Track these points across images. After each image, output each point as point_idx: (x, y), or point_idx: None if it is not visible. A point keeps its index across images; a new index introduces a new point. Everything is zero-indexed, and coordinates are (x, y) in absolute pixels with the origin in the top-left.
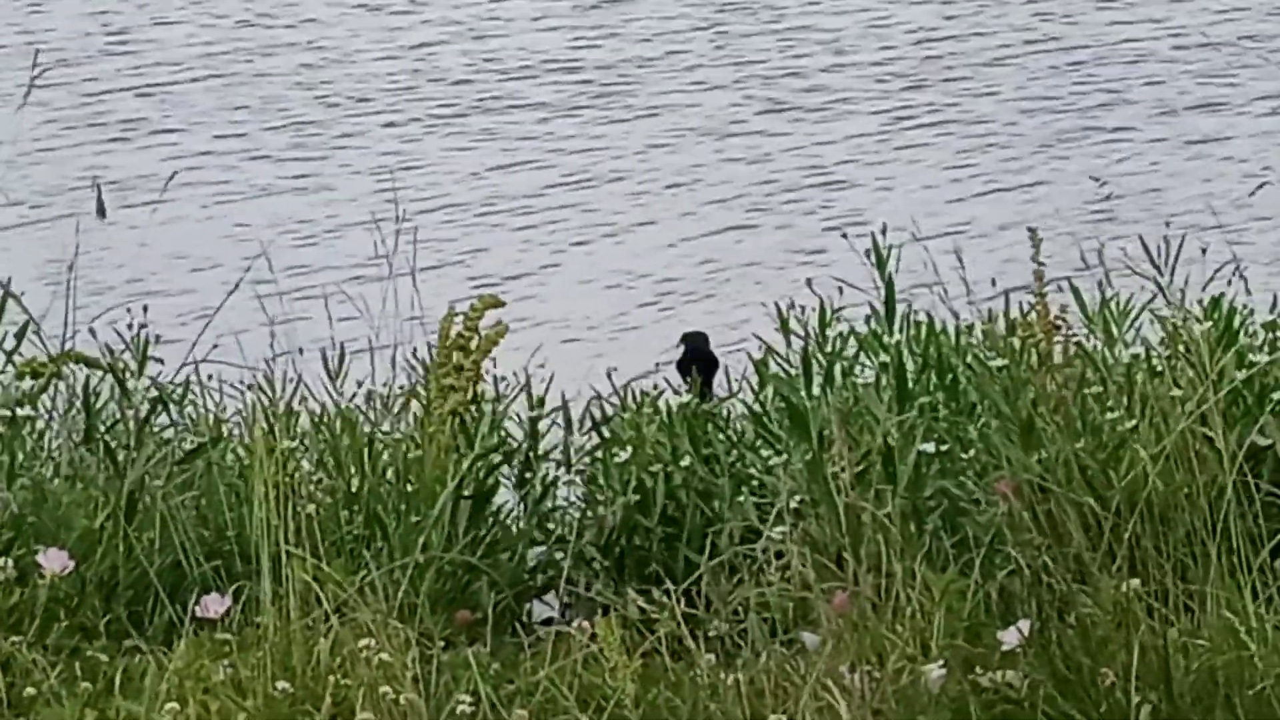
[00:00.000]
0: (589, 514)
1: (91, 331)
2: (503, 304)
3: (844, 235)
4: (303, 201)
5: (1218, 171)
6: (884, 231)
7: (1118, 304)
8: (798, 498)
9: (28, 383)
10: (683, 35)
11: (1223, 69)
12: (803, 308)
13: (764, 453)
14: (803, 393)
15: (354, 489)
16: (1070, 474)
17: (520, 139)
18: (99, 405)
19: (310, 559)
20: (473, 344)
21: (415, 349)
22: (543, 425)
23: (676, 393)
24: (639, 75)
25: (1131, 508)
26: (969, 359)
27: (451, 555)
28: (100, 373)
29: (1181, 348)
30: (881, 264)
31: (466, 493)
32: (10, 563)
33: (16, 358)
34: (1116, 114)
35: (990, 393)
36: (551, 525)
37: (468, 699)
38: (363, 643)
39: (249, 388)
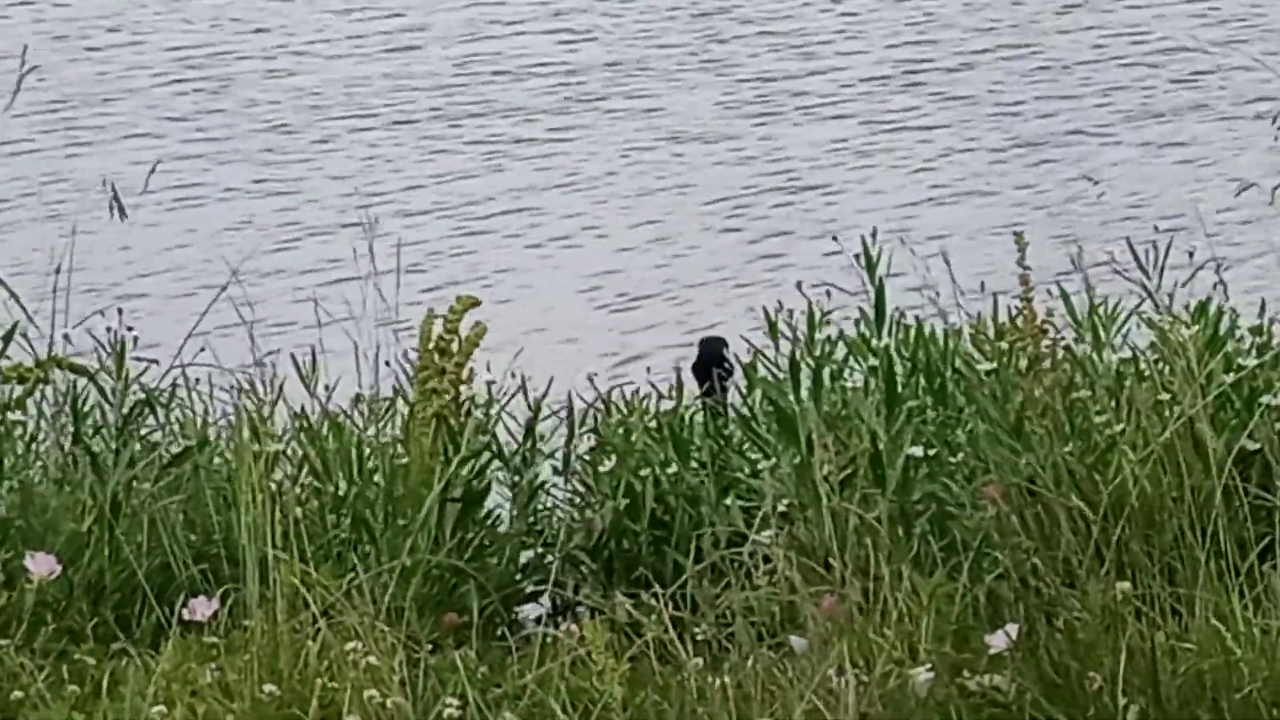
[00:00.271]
0: (578, 517)
1: (66, 338)
2: (479, 303)
3: (835, 238)
4: (276, 205)
5: (1193, 175)
6: (874, 235)
7: (1106, 308)
8: (785, 501)
9: (14, 387)
10: (661, 40)
11: (1196, 74)
12: (791, 311)
13: (752, 456)
14: (790, 396)
15: (341, 492)
16: (1059, 478)
17: (496, 142)
18: (86, 409)
19: (297, 562)
20: (453, 346)
21: (393, 355)
22: (523, 428)
23: (664, 396)
24: (617, 79)
25: (1119, 511)
26: (957, 363)
27: (439, 558)
28: (87, 378)
29: (1169, 352)
30: (871, 267)
31: (454, 496)
32: None
33: (3, 361)
34: (1093, 118)
35: (979, 397)
36: (540, 528)
37: (455, 702)
38: (350, 646)
39: (236, 391)
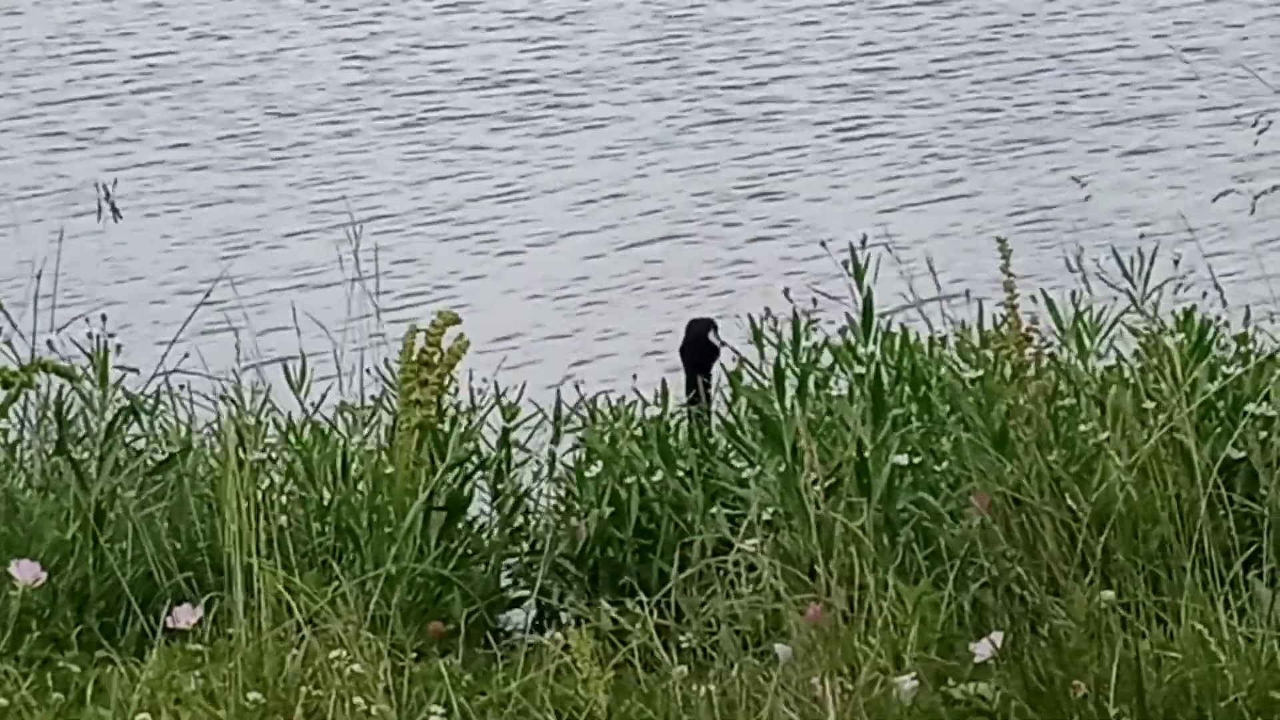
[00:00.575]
0: (563, 525)
1: (50, 345)
2: (459, 320)
3: (823, 244)
4: (252, 211)
5: (1170, 182)
6: (864, 243)
7: (1090, 316)
8: (770, 509)
9: None
10: (627, 48)
11: (1166, 80)
12: (776, 318)
13: (737, 464)
14: (775, 405)
15: (325, 500)
16: (1043, 486)
17: (466, 149)
18: (70, 416)
19: (282, 570)
20: (435, 359)
21: (372, 364)
22: (514, 436)
23: (648, 405)
24: (584, 88)
25: (1104, 520)
26: (942, 371)
27: (423, 566)
28: (70, 382)
29: (1154, 360)
30: (859, 275)
31: (438, 504)
32: None
33: None
34: (1066, 123)
35: (963, 405)
36: (526, 535)
37: (439, 710)
38: (334, 654)
39: (220, 398)
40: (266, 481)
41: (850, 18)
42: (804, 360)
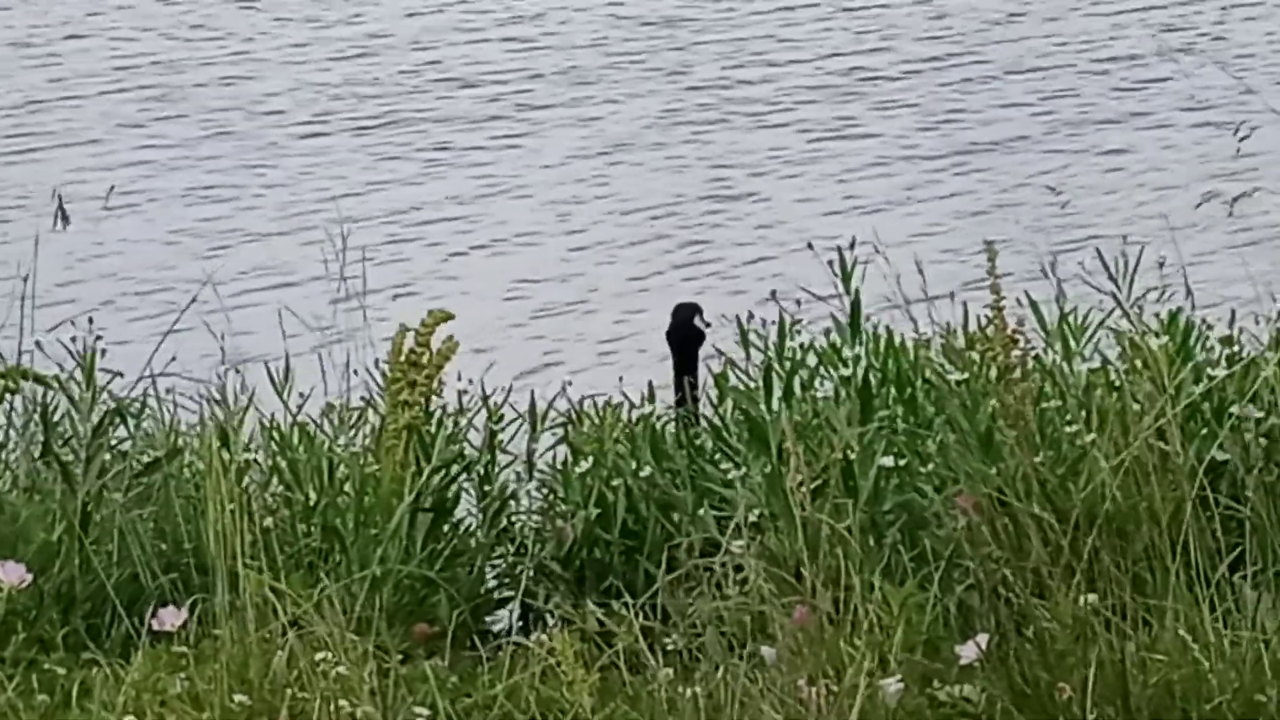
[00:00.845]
0: (549, 526)
1: (38, 345)
2: (451, 317)
3: (810, 245)
4: (224, 211)
5: (1137, 183)
6: (852, 245)
7: (1075, 318)
8: (757, 511)
9: None
10: (604, 49)
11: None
12: (763, 320)
13: (724, 466)
14: (762, 406)
15: (311, 502)
16: (1029, 488)
17: (439, 150)
18: (56, 418)
19: (267, 572)
20: (424, 359)
21: (357, 362)
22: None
23: (634, 405)
24: (564, 87)
25: (1090, 522)
26: (928, 373)
27: (409, 568)
28: (51, 389)
29: (1139, 362)
30: (847, 277)
31: (425, 505)
32: None
33: None
34: (1040, 125)
35: (949, 406)
36: (512, 537)
37: (425, 712)
38: (320, 656)
39: (205, 401)
40: (251, 483)
41: (827, 19)
42: (789, 359)
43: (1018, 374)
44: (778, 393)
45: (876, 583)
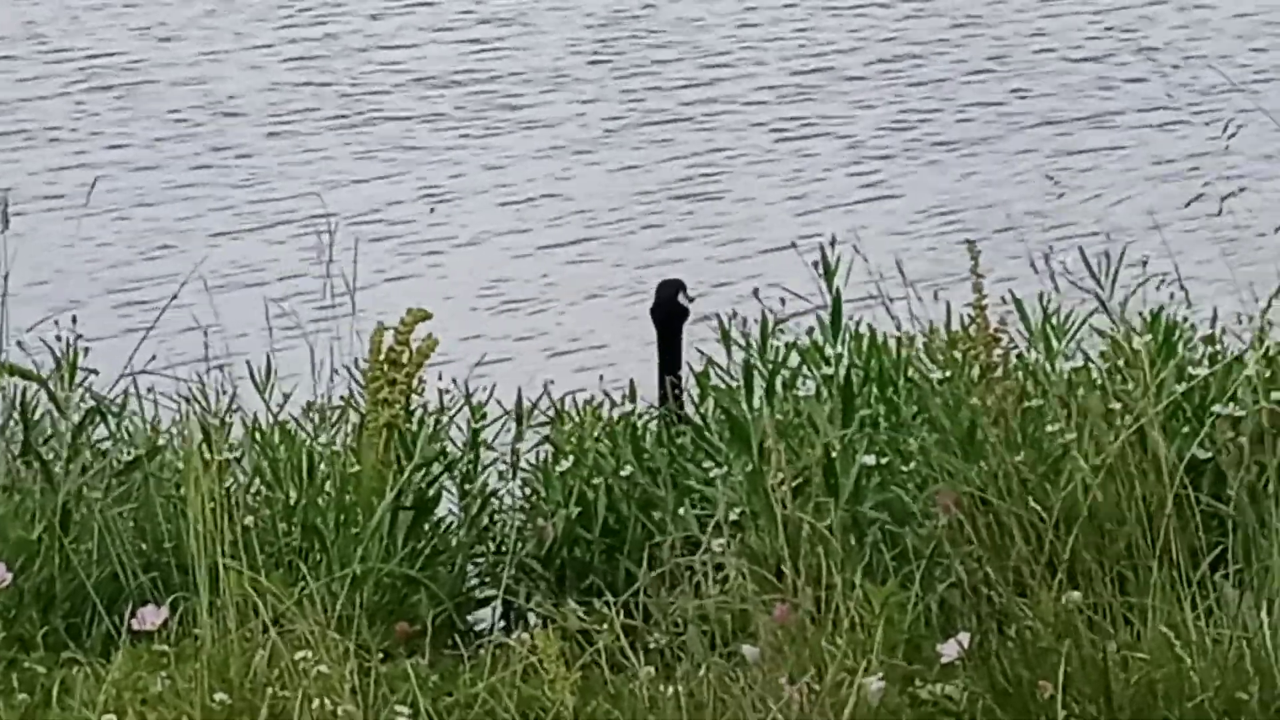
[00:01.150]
0: (530, 525)
1: (19, 344)
2: (430, 316)
3: (794, 245)
4: (199, 209)
5: (1130, 181)
6: (833, 243)
7: (1058, 317)
8: (738, 510)
9: None
10: (568, 49)
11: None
12: (745, 319)
13: (705, 464)
14: (744, 405)
15: (292, 500)
16: (1011, 487)
17: (412, 149)
18: (36, 417)
19: (248, 571)
20: (404, 358)
21: (335, 366)
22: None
23: (614, 404)
24: (522, 89)
25: (1071, 520)
26: (910, 372)
27: (390, 567)
28: (32, 384)
29: (1122, 361)
30: (830, 275)
31: (405, 504)
32: None
33: None
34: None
35: (931, 405)
36: (493, 535)
37: (406, 711)
38: (300, 654)
39: (185, 399)
40: (232, 481)
41: (797, 19)
42: (773, 358)
43: (999, 373)
44: (759, 391)
45: (858, 581)
